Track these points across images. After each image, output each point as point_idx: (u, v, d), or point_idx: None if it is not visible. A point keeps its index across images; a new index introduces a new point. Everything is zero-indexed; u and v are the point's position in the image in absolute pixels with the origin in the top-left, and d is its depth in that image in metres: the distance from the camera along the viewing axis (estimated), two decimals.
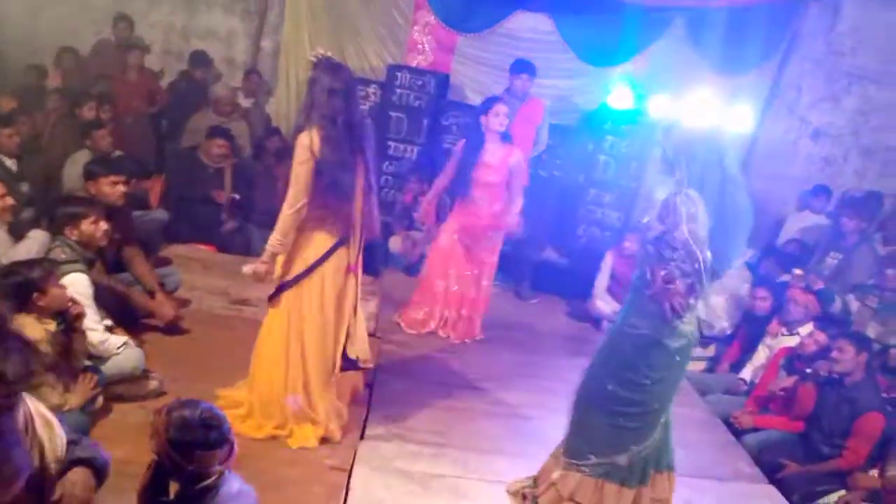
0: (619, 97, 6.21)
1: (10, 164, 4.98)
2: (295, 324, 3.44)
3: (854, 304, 5.60)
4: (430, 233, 5.64)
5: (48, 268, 3.11)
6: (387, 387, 4.14)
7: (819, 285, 5.48)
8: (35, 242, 3.85)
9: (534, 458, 3.38)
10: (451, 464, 3.56)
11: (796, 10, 6.88)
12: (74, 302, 3.15)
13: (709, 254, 2.76)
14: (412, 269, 5.89)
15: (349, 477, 3.31)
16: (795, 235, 6.65)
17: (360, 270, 3.56)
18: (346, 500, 3.16)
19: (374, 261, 5.46)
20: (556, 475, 3.06)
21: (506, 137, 4.92)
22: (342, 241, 3.43)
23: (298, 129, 3.31)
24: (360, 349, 3.60)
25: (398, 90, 6.68)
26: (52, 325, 3.04)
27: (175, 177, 5.93)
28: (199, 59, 7.09)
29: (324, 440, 3.50)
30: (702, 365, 5.54)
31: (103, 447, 2.27)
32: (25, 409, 1.91)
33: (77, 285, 3.37)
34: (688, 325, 2.84)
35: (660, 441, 2.97)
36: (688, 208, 2.76)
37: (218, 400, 3.44)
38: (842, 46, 7.05)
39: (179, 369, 3.82)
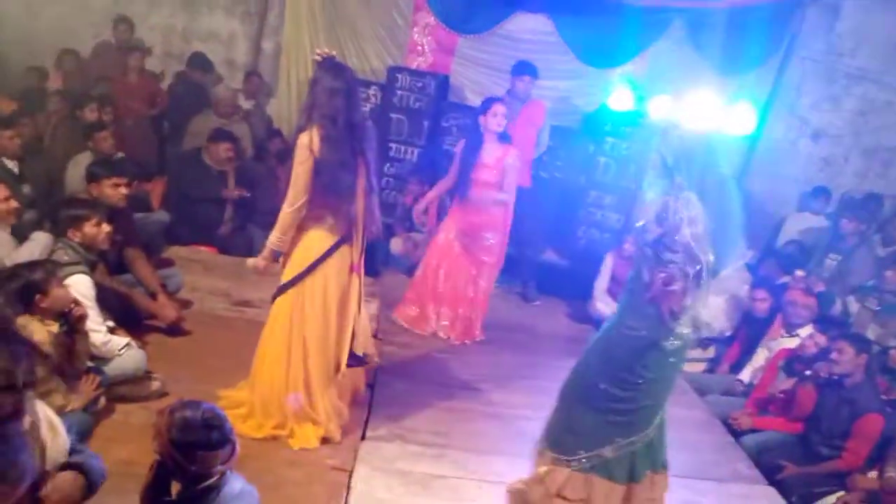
0: (619, 98, 6.18)
1: (12, 166, 4.99)
2: (297, 322, 3.45)
3: (854, 306, 5.61)
4: (432, 234, 5.65)
5: (51, 269, 3.12)
6: (388, 387, 4.15)
7: (820, 287, 5.49)
8: (38, 244, 3.87)
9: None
10: (451, 464, 3.58)
11: (796, 11, 6.87)
12: (77, 303, 3.16)
13: (711, 256, 2.77)
14: (413, 270, 5.89)
15: (350, 477, 3.32)
16: (795, 237, 6.66)
17: (362, 270, 3.58)
18: (347, 500, 3.17)
19: (374, 262, 5.50)
20: (542, 470, 3.04)
21: (504, 138, 4.93)
22: (344, 240, 3.44)
23: (300, 130, 3.32)
24: (365, 344, 3.62)
25: (398, 92, 6.69)
26: (54, 327, 3.06)
27: (178, 179, 5.94)
28: (199, 60, 7.09)
29: (324, 440, 3.51)
30: (701, 366, 5.53)
31: (105, 453, 2.29)
32: (32, 413, 1.93)
33: (79, 287, 3.38)
34: (684, 328, 2.85)
35: (655, 440, 2.98)
36: (688, 212, 2.76)
37: (219, 400, 3.45)
38: (842, 47, 7.05)
39: (181, 370, 3.83)
